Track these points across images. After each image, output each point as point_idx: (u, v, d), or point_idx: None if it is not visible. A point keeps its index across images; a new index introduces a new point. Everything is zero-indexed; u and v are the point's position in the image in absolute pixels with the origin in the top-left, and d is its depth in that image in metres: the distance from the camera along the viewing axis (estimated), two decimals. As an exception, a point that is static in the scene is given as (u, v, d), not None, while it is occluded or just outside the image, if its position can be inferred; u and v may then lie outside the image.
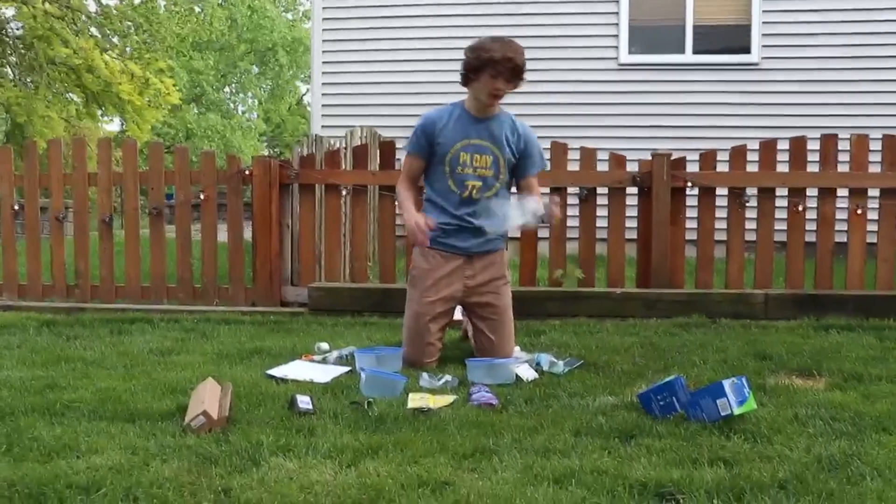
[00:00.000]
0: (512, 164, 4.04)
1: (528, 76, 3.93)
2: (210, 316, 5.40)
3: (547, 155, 5.64)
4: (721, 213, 5.59)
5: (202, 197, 5.96)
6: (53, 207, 6.19)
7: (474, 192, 3.98)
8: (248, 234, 6.15)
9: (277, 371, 3.77)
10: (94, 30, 18.86)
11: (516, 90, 3.96)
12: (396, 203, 4.61)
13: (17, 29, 18.96)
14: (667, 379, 3.15)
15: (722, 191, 5.60)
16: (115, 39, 19.51)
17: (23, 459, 2.62)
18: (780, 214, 5.55)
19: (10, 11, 18.88)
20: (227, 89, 38.43)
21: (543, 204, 3.92)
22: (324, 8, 9.79)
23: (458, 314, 4.23)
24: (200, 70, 32.86)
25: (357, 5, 9.70)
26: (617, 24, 9.37)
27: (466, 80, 3.95)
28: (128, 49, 19.36)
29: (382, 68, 9.59)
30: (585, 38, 9.42)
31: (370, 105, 9.47)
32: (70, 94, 20.37)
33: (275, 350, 4.30)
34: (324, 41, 9.81)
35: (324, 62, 9.83)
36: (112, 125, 29.89)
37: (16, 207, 6.30)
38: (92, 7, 19.48)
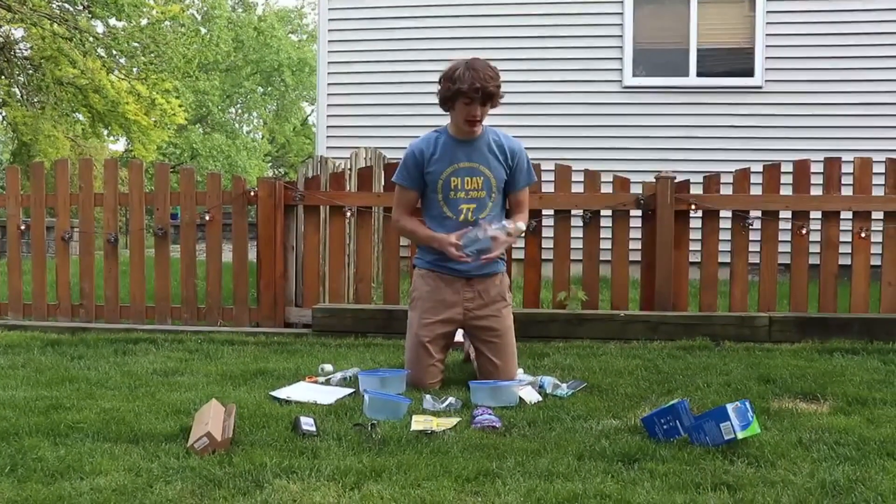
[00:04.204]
0: (504, 181, 4.03)
1: (505, 95, 3.95)
2: (214, 337, 5.40)
3: (551, 177, 5.70)
4: (725, 236, 5.60)
5: (207, 217, 5.99)
6: (59, 227, 6.22)
7: (469, 214, 3.99)
8: (252, 254, 6.17)
9: (281, 392, 3.77)
10: (101, 51, 19.01)
11: (495, 110, 3.98)
12: (401, 236, 4.58)
13: (26, 49, 19.12)
14: (670, 402, 3.15)
15: (726, 213, 5.61)
16: (122, 60, 19.66)
17: (27, 480, 2.63)
18: (784, 237, 5.56)
19: (19, 32, 19.05)
20: (232, 110, 38.62)
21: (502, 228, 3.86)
22: (329, 30, 9.85)
23: (459, 336, 4.24)
24: (206, 90, 33.03)
25: (363, 27, 9.77)
26: (621, 47, 9.41)
27: (445, 108, 3.99)
28: (135, 70, 19.50)
29: (388, 90, 9.64)
30: (590, 61, 9.46)
31: (375, 126, 9.50)
32: (76, 114, 20.51)
33: (278, 371, 4.30)
34: (329, 62, 9.85)
35: (329, 83, 9.87)
36: (117, 145, 30.06)
37: (22, 227, 6.33)
38: (100, 28, 19.65)
